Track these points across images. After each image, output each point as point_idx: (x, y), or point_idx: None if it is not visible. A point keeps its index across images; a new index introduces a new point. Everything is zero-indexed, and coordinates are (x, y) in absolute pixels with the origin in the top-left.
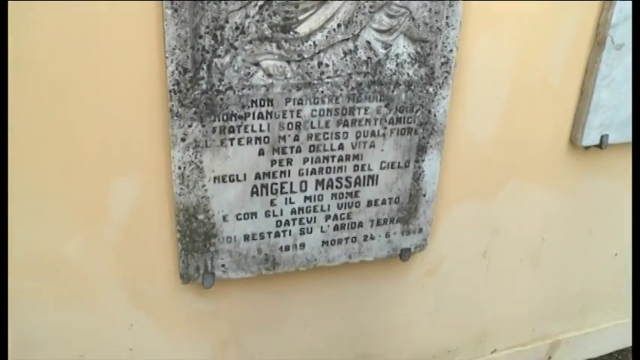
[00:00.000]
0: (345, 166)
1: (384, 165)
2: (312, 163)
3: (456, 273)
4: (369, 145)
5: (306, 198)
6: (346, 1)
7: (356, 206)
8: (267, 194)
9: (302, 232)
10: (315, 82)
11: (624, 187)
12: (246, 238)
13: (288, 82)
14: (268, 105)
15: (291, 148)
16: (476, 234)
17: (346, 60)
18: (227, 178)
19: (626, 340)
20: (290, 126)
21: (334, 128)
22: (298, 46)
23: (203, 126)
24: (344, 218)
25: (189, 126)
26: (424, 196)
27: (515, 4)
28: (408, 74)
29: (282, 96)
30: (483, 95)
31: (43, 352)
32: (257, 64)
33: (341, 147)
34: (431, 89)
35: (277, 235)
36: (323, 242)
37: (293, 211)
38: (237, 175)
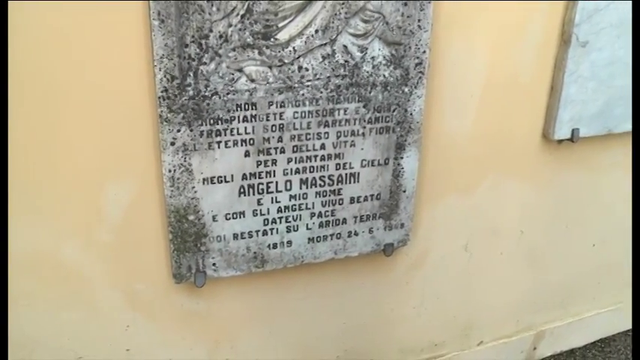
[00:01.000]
0: (328, 165)
1: (364, 163)
2: (295, 163)
3: (440, 267)
4: (349, 144)
5: (291, 197)
6: (323, 8)
7: (339, 203)
8: (253, 194)
9: (288, 230)
10: (296, 85)
11: (597, 179)
12: (235, 237)
13: (270, 87)
14: (252, 109)
15: (276, 149)
16: (457, 228)
17: (325, 64)
18: (215, 180)
19: (608, 329)
20: (274, 128)
21: (316, 129)
22: (279, 52)
23: (191, 130)
24: (328, 215)
25: (178, 130)
26: (404, 192)
27: (484, 6)
28: (384, 76)
29: (265, 100)
30: (458, 94)
31: (41, 353)
32: (240, 70)
33: (323, 147)
34: (406, 89)
35: (265, 233)
36: (309, 239)
37: (279, 210)
38: (224, 177)
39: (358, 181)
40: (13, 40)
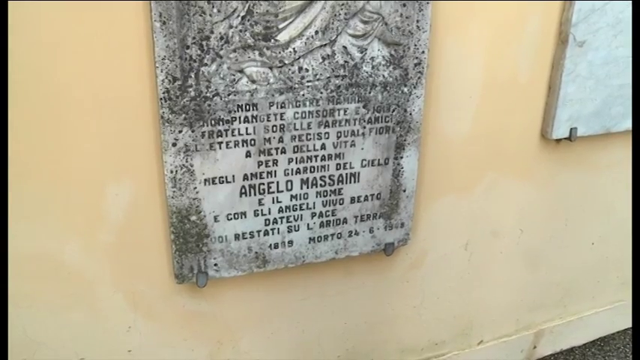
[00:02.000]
0: (328, 165)
1: (364, 163)
2: (296, 163)
3: (440, 266)
4: (349, 144)
5: (292, 197)
6: (322, 9)
7: (340, 203)
8: (255, 194)
9: (290, 230)
10: (297, 86)
11: (596, 178)
12: (236, 237)
13: (271, 87)
14: (253, 109)
15: (276, 149)
16: (456, 227)
17: (325, 64)
18: (217, 180)
19: (607, 328)
20: (274, 128)
21: (316, 129)
22: (279, 52)
23: (193, 131)
24: (329, 215)
25: (180, 131)
26: (404, 191)
27: (482, 7)
28: (383, 76)
29: (265, 100)
30: (456, 93)
31: (43, 354)
32: (241, 71)
33: (323, 147)
34: (406, 89)
35: (266, 233)
36: (310, 239)
37: (280, 210)
38: (226, 177)
39: (358, 181)
40: (14, 41)
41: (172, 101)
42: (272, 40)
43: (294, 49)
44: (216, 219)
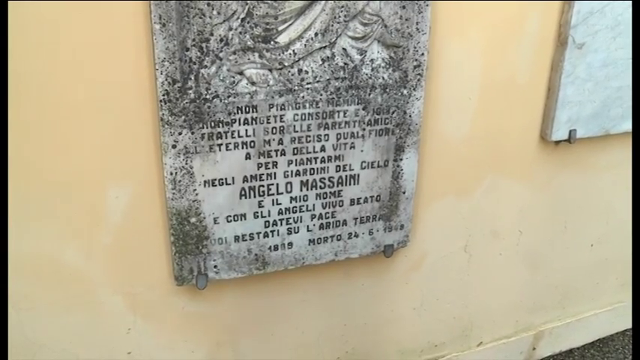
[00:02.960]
0: (328, 167)
1: (364, 165)
2: (296, 165)
3: (439, 268)
4: (349, 146)
5: (291, 199)
6: (322, 11)
7: (339, 205)
8: (254, 196)
9: (289, 232)
10: (296, 88)
11: (595, 180)
12: (236, 239)
13: (270, 89)
14: (253, 111)
15: (276, 151)
16: (456, 229)
17: (324, 66)
18: (217, 182)
19: (606, 329)
20: (274, 130)
21: (316, 131)
22: (279, 55)
23: (192, 133)
24: (329, 217)
25: (180, 133)
26: (404, 193)
27: (482, 9)
28: (383, 78)
29: (265, 102)
30: (456, 95)
31: (43, 356)
32: (241, 73)
33: (323, 149)
34: (405, 91)
35: (266, 235)
36: (310, 241)
37: (280, 212)
38: (225, 179)
39: (358, 183)
40: (13, 43)
41: (172, 103)
42: (272, 42)
43: (293, 51)
44: (215, 221)
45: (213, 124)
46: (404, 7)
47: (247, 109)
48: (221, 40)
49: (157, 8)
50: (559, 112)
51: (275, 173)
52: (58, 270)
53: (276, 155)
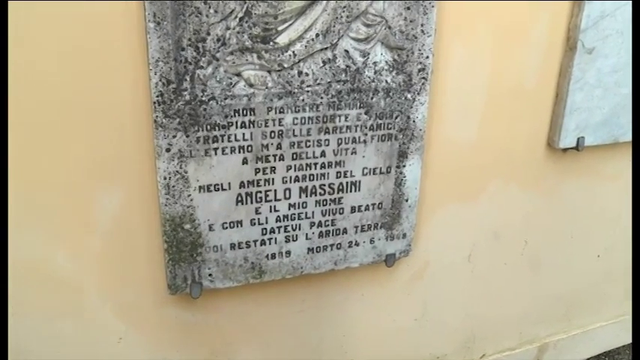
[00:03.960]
0: (328, 173)
1: (366, 171)
2: (295, 170)
3: (442, 277)
4: (350, 152)
5: (290, 205)
6: (324, 11)
7: (340, 213)
8: (251, 202)
9: (287, 240)
10: (296, 90)
11: (603, 189)
12: (232, 246)
13: (269, 92)
14: (250, 114)
15: (274, 156)
16: (459, 238)
17: (325, 69)
18: (212, 188)
19: (612, 342)
20: (272, 134)
21: (316, 136)
22: (278, 56)
23: (187, 136)
24: (328, 225)
25: (174, 136)
26: (407, 201)
27: (488, 11)
28: (386, 81)
29: (263, 105)
30: (461, 100)
31: None
32: (239, 75)
33: (323, 154)
34: (409, 95)
35: (263, 243)
36: (308, 249)
37: (278, 219)
38: (221, 184)
39: (359, 190)
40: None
41: (166, 105)
42: (271, 43)
43: (293, 52)
44: (211, 228)
45: (209, 127)
46: (408, 9)
47: (245, 111)
48: (218, 40)
49: (152, 6)
50: (567, 119)
51: (273, 179)
52: (48, 276)
53: (275, 160)
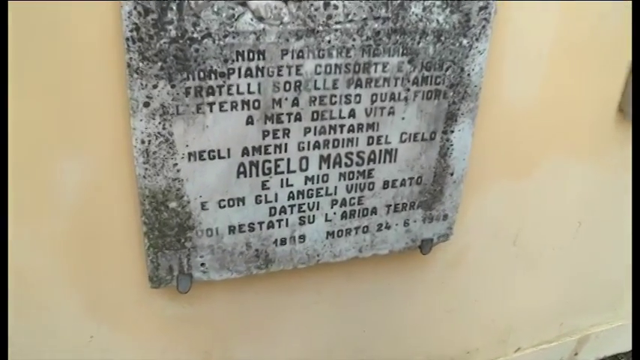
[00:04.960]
0: (357, 139)
1: (404, 137)
2: (315, 134)
3: (482, 264)
4: (387, 112)
5: (307, 179)
6: None
7: (369, 188)
8: (257, 174)
9: (302, 222)
10: (320, 29)
11: None
12: (231, 230)
13: (284, 29)
14: (259, 58)
15: (289, 115)
16: (507, 219)
17: (360, 1)
18: (206, 155)
19: None
20: (287, 86)
21: (344, 90)
22: None
23: (173, 86)
24: (354, 203)
25: (155, 86)
26: (451, 175)
27: None
28: (437, 21)
29: (276, 47)
30: (523, 51)
31: None
32: (244, 4)
33: (352, 114)
34: (465, 41)
35: (271, 225)
36: (328, 233)
37: (291, 196)
38: (218, 151)
39: (395, 161)
40: None
41: (144, 43)
42: None
43: None
44: (203, 206)
45: (202, 74)
46: None
47: (251, 55)
48: None
49: None
50: None
51: (286, 144)
52: (10, 266)
53: (289, 120)
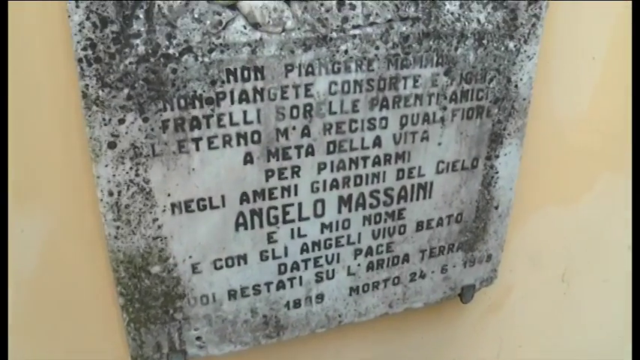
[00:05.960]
0: (384, 173)
1: (441, 167)
2: (331, 171)
3: (526, 305)
4: (420, 138)
5: (323, 226)
6: None
7: (400, 232)
8: (261, 225)
9: (319, 279)
10: (334, 35)
11: None
12: (232, 295)
13: (288, 37)
14: (256, 78)
15: (298, 148)
16: (553, 251)
17: None
18: (194, 205)
19: None
20: (295, 112)
21: (366, 113)
22: None
23: (145, 120)
24: (382, 252)
25: (121, 121)
26: (496, 208)
27: None
28: (477, 20)
29: (279, 61)
30: (575, 54)
31: None
32: (233, 7)
33: (377, 143)
34: (511, 44)
35: (281, 285)
36: (351, 289)
37: (304, 249)
38: (210, 199)
39: (430, 196)
40: None
41: (103, 65)
42: None
43: None
44: (195, 269)
45: (183, 102)
46: None
47: (246, 73)
48: None
49: None
50: None
51: (296, 186)
52: None
53: (299, 156)
